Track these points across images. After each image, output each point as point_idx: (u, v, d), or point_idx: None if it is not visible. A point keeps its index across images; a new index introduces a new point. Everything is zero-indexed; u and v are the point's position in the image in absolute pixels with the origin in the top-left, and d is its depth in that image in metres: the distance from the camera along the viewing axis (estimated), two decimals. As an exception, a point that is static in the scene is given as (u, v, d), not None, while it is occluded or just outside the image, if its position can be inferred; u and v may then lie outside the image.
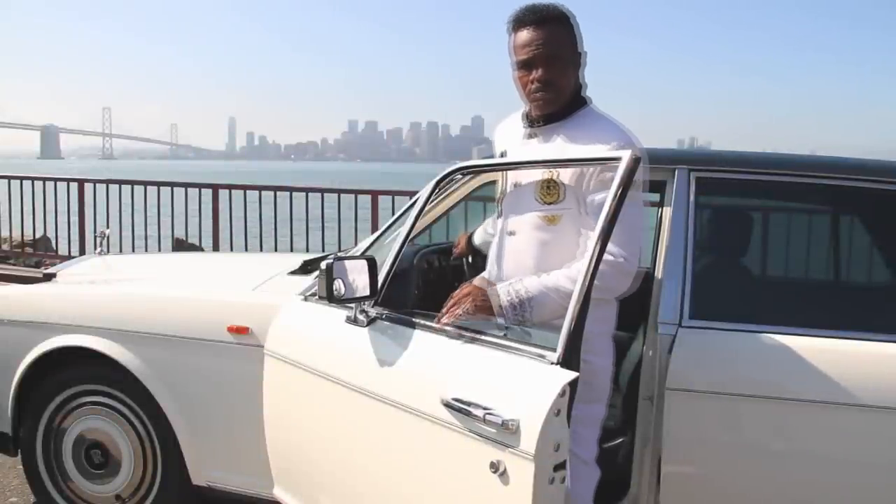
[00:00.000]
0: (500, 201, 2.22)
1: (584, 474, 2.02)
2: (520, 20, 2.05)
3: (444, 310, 1.96)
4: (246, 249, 7.34)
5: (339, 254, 2.74)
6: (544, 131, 2.09)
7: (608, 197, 1.69)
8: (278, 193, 7.47)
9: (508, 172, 2.16)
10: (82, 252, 7.53)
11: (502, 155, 2.22)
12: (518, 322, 1.90)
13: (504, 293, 1.91)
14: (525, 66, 2.04)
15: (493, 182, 2.84)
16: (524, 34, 2.03)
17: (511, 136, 2.21)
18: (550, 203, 2.04)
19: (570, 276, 1.89)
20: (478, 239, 2.69)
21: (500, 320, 1.90)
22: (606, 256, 1.87)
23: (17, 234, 8.49)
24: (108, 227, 6.99)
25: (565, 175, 2.01)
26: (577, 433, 1.95)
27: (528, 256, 2.06)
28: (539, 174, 2.04)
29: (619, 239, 1.90)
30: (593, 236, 1.68)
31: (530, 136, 2.12)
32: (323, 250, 6.30)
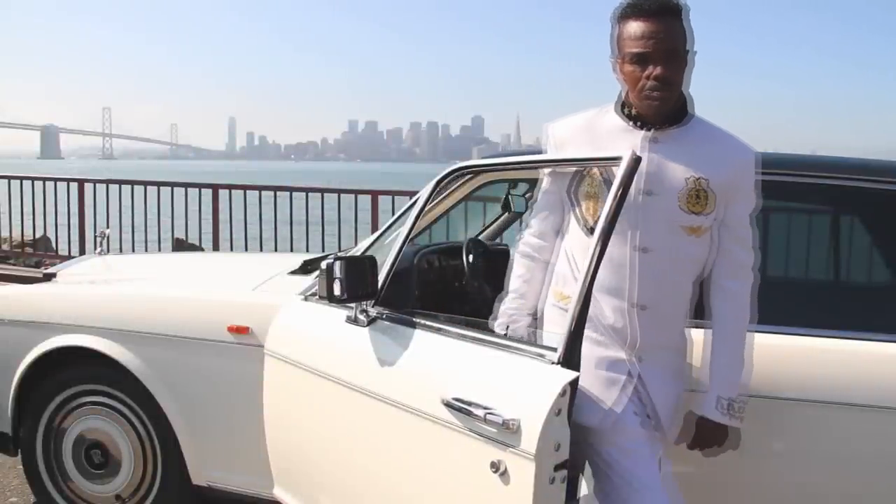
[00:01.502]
0: (597, 216, 1.82)
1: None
2: (637, 8, 1.81)
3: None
4: (246, 249, 7.34)
5: (339, 254, 2.74)
6: (668, 137, 1.87)
7: (609, 198, 1.68)
8: (278, 193, 7.48)
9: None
10: (82, 252, 7.52)
11: None
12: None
13: (719, 416, 1.90)
14: (641, 60, 1.81)
15: (493, 182, 2.81)
16: (640, 25, 1.80)
17: (610, 139, 1.89)
18: (698, 213, 1.85)
19: (738, 334, 1.91)
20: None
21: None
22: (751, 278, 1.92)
23: (17, 234, 8.50)
24: (108, 227, 6.98)
25: (717, 181, 1.84)
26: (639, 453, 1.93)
27: (670, 276, 1.88)
28: (682, 180, 1.83)
29: (753, 255, 1.92)
30: (594, 236, 1.68)
31: (653, 141, 1.87)
32: (323, 250, 6.30)
